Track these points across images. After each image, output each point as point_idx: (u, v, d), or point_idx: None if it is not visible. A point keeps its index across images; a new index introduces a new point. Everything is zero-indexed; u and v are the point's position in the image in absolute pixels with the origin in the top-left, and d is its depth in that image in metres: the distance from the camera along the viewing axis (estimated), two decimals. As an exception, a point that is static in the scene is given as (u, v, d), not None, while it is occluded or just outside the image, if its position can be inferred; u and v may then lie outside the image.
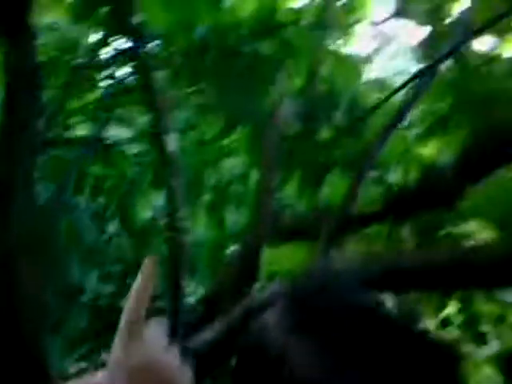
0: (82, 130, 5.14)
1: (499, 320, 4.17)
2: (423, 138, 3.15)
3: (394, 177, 2.98)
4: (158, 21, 3.18)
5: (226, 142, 4.20)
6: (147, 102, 2.41)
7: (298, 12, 3.42)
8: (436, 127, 2.96)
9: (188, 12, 3.29)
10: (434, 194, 2.27)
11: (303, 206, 3.59)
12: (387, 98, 1.97)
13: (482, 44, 2.58)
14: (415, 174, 3.04)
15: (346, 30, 3.39)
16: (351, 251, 2.47)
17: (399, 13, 2.44)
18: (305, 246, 2.47)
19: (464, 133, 2.64)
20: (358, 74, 3.12)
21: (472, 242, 2.60)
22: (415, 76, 1.77)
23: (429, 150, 3.30)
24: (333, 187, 2.41)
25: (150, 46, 3.62)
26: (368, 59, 3.74)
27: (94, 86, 4.36)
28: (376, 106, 1.89)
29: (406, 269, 1.63)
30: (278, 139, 2.95)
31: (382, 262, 1.67)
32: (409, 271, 1.63)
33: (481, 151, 2.25)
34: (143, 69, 2.37)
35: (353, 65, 3.10)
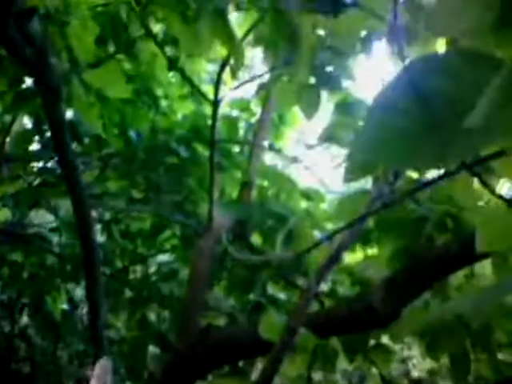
0: (1, 216, 4.94)
1: None
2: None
3: (325, 287, 3.04)
4: (93, 121, 3.18)
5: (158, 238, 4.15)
6: (69, 194, 2.40)
7: (233, 121, 3.54)
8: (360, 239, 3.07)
9: (124, 114, 3.32)
10: (366, 316, 2.32)
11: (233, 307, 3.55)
12: (328, 237, 2.05)
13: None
14: (345, 285, 3.10)
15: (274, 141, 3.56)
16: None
17: (326, 136, 2.60)
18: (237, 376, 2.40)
19: (389, 248, 2.75)
20: (291, 186, 3.24)
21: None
22: (350, 224, 1.86)
23: (356, 259, 3.39)
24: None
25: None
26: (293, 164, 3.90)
27: (21, 175, 4.25)
28: (318, 243, 1.96)
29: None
30: (211, 246, 2.94)
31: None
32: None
33: (408, 274, 2.35)
34: (67, 164, 2.36)
35: (285, 177, 3.22)
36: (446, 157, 1.05)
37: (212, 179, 2.65)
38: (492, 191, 1.22)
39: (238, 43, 2.25)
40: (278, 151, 3.49)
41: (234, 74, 2.37)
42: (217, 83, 2.23)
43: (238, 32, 2.74)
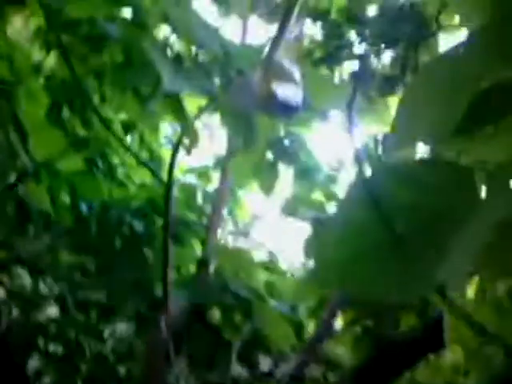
0: None
1: None
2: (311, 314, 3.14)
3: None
4: (40, 196, 3.04)
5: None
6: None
7: (190, 188, 3.43)
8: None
9: (75, 185, 3.18)
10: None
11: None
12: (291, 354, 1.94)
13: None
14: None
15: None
16: None
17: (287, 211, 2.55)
18: None
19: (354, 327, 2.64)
20: (249, 264, 3.14)
21: None
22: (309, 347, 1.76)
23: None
24: None
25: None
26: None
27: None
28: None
29: None
30: (167, 328, 2.78)
31: None
32: None
33: (375, 365, 2.23)
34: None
35: (242, 255, 3.13)
36: (410, 286, 0.93)
37: (166, 261, 2.52)
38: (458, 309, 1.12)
39: (191, 123, 2.16)
40: (237, 233, 3.41)
41: (188, 152, 2.27)
42: (170, 167, 2.12)
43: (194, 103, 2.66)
